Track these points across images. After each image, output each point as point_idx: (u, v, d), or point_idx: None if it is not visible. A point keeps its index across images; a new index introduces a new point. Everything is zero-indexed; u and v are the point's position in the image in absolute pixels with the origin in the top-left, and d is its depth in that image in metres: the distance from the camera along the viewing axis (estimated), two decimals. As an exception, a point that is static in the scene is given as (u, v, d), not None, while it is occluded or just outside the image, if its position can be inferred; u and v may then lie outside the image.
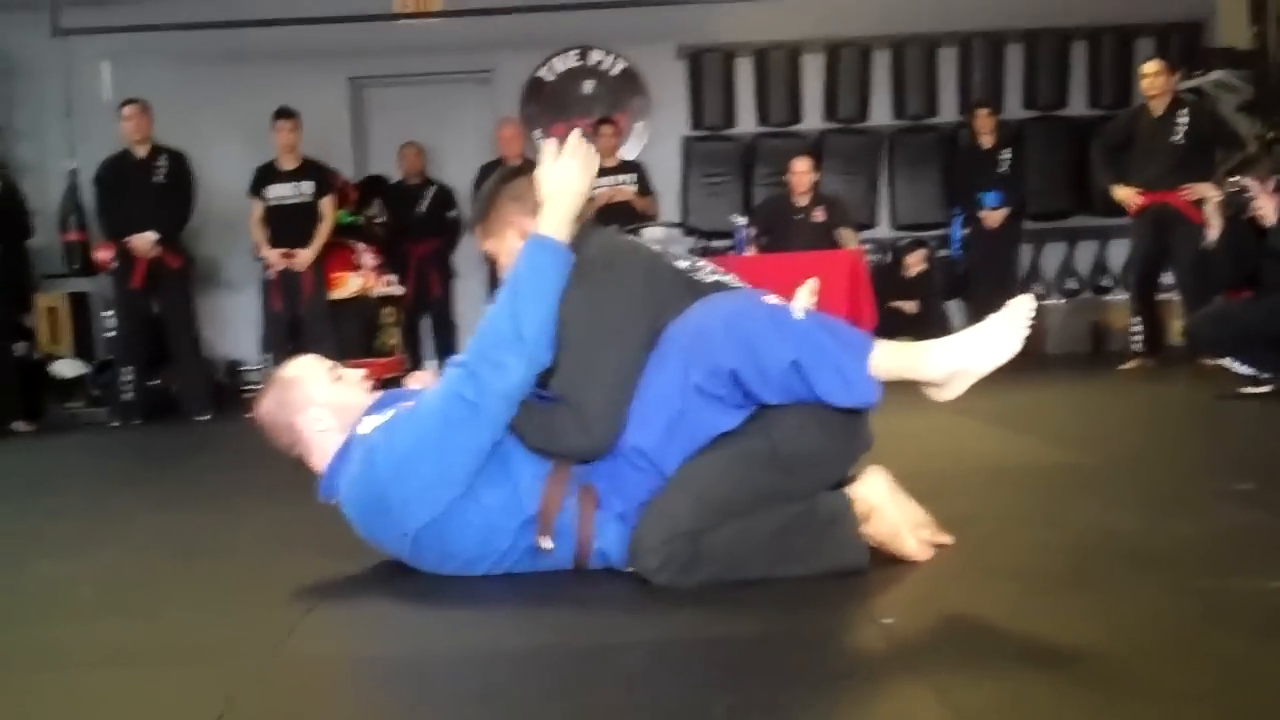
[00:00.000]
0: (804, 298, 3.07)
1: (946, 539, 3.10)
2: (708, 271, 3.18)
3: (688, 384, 2.82)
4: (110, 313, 9.19)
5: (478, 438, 2.89)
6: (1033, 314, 2.86)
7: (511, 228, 3.17)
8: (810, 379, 2.76)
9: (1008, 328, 2.85)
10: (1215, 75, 10.15)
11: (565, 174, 3.08)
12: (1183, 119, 8.45)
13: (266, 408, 3.21)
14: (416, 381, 3.46)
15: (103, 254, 8.98)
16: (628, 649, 2.46)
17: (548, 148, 3.12)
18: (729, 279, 3.19)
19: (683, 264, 3.16)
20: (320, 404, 3.15)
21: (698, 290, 3.04)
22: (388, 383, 3.87)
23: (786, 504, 2.89)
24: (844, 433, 2.92)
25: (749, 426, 2.86)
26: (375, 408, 3.11)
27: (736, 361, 2.76)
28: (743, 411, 2.85)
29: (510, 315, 2.91)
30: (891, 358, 2.86)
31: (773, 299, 2.89)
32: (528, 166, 3.26)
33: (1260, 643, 2.26)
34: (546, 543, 2.95)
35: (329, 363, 3.30)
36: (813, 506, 2.91)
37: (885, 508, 2.97)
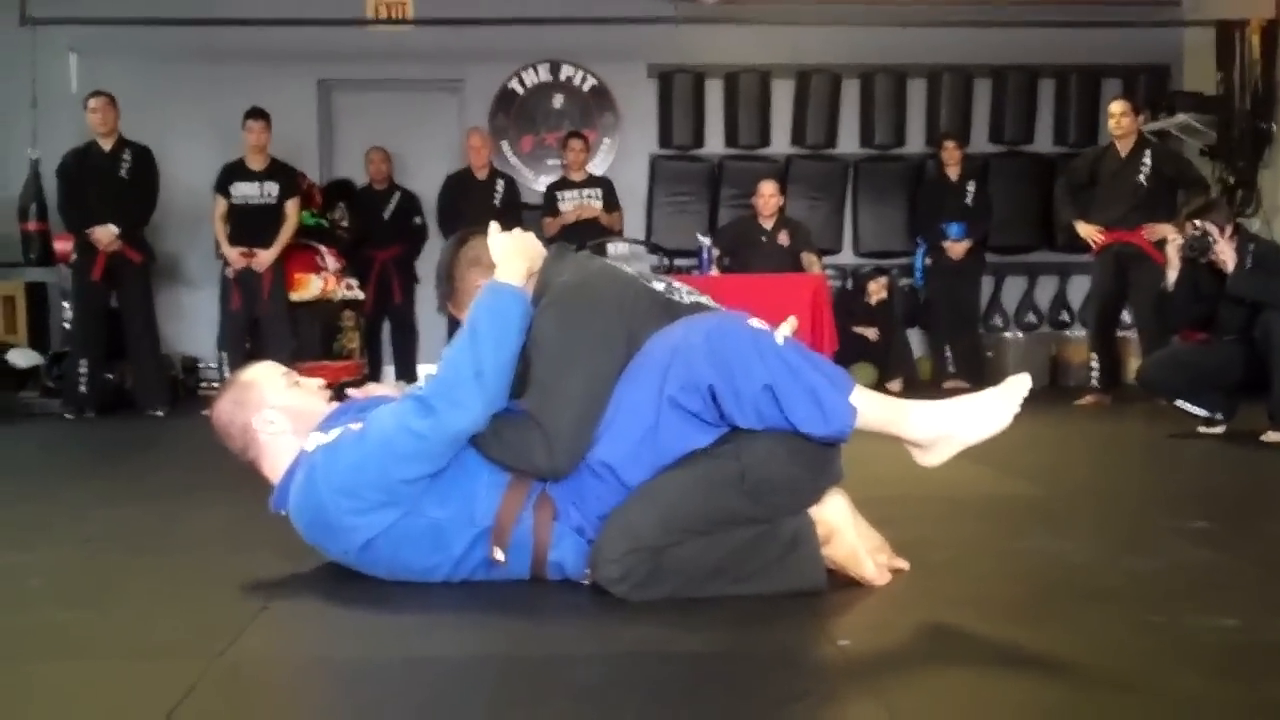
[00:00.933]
0: (787, 332, 3.08)
1: (903, 564, 3.11)
2: (685, 293, 3.17)
3: (662, 397, 2.81)
4: (68, 304, 9.11)
5: (420, 469, 2.87)
6: (1027, 393, 2.87)
7: (480, 291, 3.16)
8: (785, 405, 2.74)
9: (1002, 402, 2.86)
10: (1180, 118, 10.25)
11: (512, 241, 3.13)
12: (1147, 160, 8.52)
13: (222, 408, 3.20)
14: (364, 393, 3.43)
15: (63, 245, 8.92)
16: (581, 661, 2.46)
17: (492, 228, 3.18)
18: (707, 300, 3.19)
19: (659, 285, 3.15)
20: (275, 407, 3.14)
21: (675, 312, 3.04)
22: (346, 386, 3.85)
23: (749, 526, 2.89)
24: (815, 464, 2.91)
25: (720, 448, 2.86)
26: (326, 423, 3.09)
27: (714, 378, 2.75)
28: (715, 430, 2.84)
29: (470, 357, 2.88)
30: (874, 406, 2.85)
31: (757, 322, 2.87)
32: (478, 228, 3.29)
33: (1213, 680, 2.28)
34: (499, 555, 2.94)
35: (285, 369, 3.31)
36: (774, 527, 2.91)
37: (845, 531, 2.98)
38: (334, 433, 3.00)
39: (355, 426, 2.97)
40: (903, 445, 2.93)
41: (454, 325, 9.71)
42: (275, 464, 3.12)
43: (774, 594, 2.86)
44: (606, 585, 2.83)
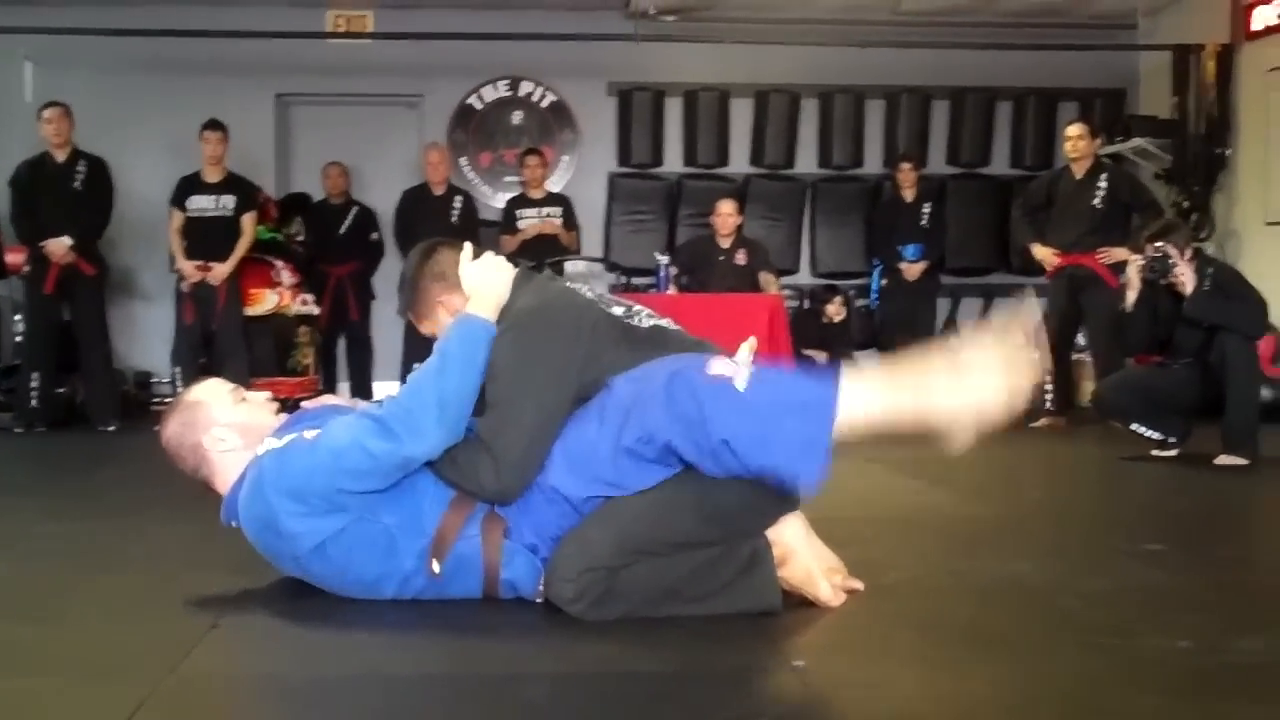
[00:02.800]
0: (746, 355, 3.06)
1: (858, 585, 3.11)
2: (644, 316, 3.16)
3: (620, 446, 2.79)
4: (20, 317, 9.04)
5: (366, 486, 2.86)
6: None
7: (441, 306, 3.19)
8: (746, 460, 2.66)
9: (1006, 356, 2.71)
10: (1136, 142, 10.34)
11: (487, 273, 3.11)
12: (1103, 183, 8.57)
13: (171, 430, 3.16)
14: (317, 404, 3.40)
15: (15, 257, 8.84)
16: (533, 680, 2.44)
17: (466, 252, 3.16)
18: (667, 323, 3.17)
19: (618, 310, 3.14)
20: (224, 424, 3.11)
21: (633, 337, 3.03)
22: (300, 402, 3.82)
23: (705, 548, 2.88)
24: (775, 493, 2.89)
25: (681, 472, 2.83)
26: (280, 431, 3.07)
27: (671, 433, 2.70)
28: (671, 470, 2.81)
29: (436, 386, 2.88)
30: (886, 395, 2.74)
31: (719, 367, 2.76)
32: (449, 241, 3.30)
33: (1166, 701, 2.28)
34: (435, 566, 2.92)
35: (231, 385, 3.27)
36: (730, 548, 2.89)
37: (800, 553, 2.97)
38: (286, 439, 2.98)
39: (309, 434, 2.95)
40: (919, 434, 2.73)
41: (411, 335, 9.69)
42: (228, 481, 3.09)
43: (729, 614, 2.85)
44: (561, 605, 2.81)
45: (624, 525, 2.82)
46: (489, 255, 3.19)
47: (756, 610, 2.88)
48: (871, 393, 2.75)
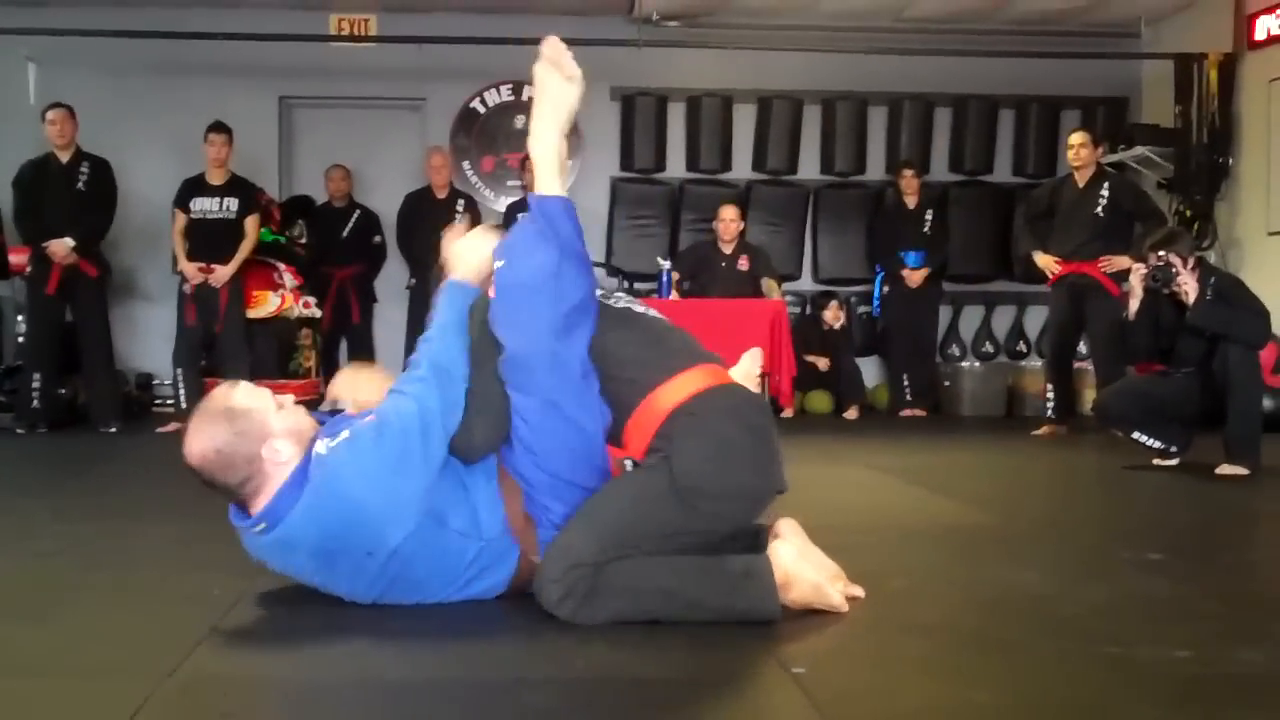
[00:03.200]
0: (751, 365, 3.13)
1: (858, 591, 3.10)
2: (624, 301, 3.29)
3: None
4: (22, 318, 9.05)
5: (442, 441, 2.89)
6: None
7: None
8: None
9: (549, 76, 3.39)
10: (1138, 150, 10.34)
11: (461, 244, 3.28)
12: (1105, 191, 8.57)
13: (221, 440, 2.88)
14: (359, 407, 3.39)
15: (18, 258, 8.85)
16: (535, 685, 2.44)
17: (454, 229, 3.38)
18: (641, 308, 3.28)
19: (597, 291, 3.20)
20: (280, 434, 2.92)
21: (607, 315, 3.11)
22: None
23: (696, 548, 2.90)
24: (750, 468, 2.93)
25: (655, 460, 2.90)
26: (330, 430, 2.97)
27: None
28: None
29: (443, 346, 3.00)
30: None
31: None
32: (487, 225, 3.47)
33: (1167, 711, 2.28)
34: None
35: (265, 389, 3.10)
36: (724, 557, 2.90)
37: (802, 574, 2.93)
38: (344, 433, 2.89)
39: (366, 420, 2.91)
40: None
41: (412, 338, 9.68)
42: (274, 491, 2.90)
43: (729, 621, 2.83)
44: (550, 608, 2.81)
45: (606, 520, 2.86)
46: (475, 231, 3.40)
47: (756, 618, 2.87)
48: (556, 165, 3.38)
